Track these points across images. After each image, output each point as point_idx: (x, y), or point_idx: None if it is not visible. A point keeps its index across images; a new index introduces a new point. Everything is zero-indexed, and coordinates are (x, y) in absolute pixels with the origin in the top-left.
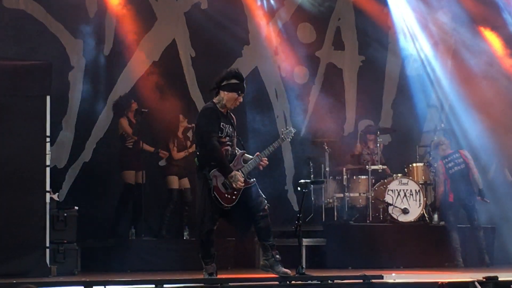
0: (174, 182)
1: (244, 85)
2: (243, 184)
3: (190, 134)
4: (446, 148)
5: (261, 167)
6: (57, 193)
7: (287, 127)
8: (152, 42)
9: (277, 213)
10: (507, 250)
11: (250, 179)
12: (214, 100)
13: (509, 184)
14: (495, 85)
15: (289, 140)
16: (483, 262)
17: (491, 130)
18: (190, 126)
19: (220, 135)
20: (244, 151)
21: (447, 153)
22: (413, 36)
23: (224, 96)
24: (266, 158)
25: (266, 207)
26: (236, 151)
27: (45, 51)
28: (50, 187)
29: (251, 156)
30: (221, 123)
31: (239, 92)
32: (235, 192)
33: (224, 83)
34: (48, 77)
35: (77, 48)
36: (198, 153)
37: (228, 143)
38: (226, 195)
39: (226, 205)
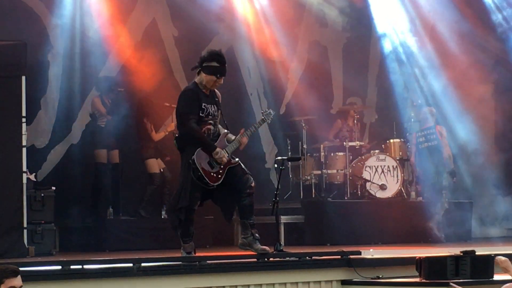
0: (154, 165)
1: (225, 68)
2: (227, 159)
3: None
4: (430, 120)
5: (241, 147)
6: (34, 173)
7: (267, 109)
8: (135, 22)
9: (260, 192)
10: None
11: (234, 159)
12: (195, 80)
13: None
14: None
15: (269, 122)
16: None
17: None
18: (167, 105)
19: (201, 115)
20: (228, 131)
21: (425, 127)
22: (390, 12)
23: (204, 78)
24: (246, 137)
25: (252, 184)
26: (220, 130)
27: (26, 30)
28: (27, 168)
29: (234, 136)
30: (203, 104)
31: (218, 75)
32: (221, 171)
33: (205, 64)
34: (23, 57)
35: (57, 28)
36: (177, 135)
37: (210, 121)
38: (212, 174)
39: (212, 183)
